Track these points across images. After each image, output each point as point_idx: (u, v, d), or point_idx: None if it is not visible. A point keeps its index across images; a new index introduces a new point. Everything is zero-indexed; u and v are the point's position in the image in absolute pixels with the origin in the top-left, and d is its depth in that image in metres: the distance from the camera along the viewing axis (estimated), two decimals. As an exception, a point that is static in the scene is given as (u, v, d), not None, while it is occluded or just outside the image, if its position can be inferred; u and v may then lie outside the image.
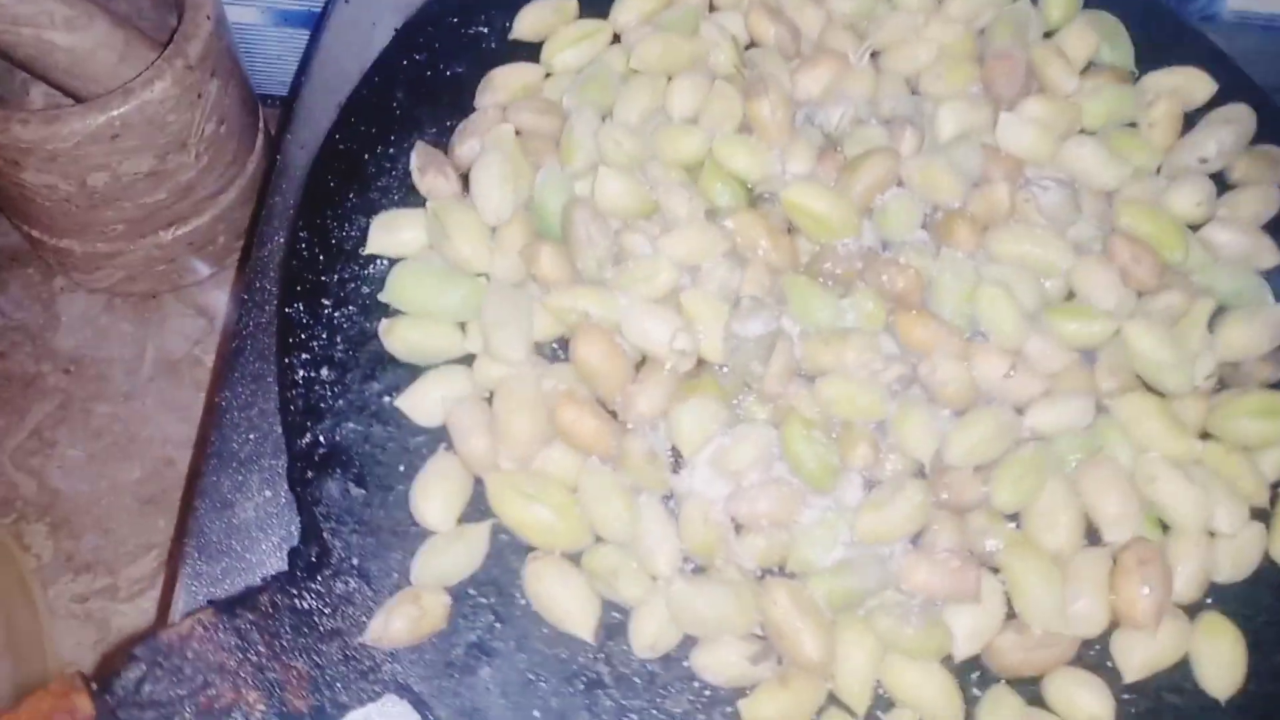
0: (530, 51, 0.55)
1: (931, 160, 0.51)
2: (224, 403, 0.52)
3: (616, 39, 0.56)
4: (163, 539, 0.68)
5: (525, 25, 0.56)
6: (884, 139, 0.52)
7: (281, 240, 0.55)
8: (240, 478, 0.51)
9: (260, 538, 0.50)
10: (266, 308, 0.54)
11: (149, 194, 0.67)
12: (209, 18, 0.64)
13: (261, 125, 0.74)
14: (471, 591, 0.44)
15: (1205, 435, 0.48)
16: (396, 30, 0.56)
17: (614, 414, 0.46)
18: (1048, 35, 0.58)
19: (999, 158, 0.52)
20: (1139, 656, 0.43)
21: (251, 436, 0.51)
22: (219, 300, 0.75)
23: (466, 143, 0.51)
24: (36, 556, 0.67)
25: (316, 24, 0.62)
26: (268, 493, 0.50)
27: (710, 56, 0.55)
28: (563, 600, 0.43)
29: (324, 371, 0.47)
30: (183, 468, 0.70)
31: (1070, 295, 0.50)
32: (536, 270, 0.47)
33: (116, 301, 0.74)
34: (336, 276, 0.49)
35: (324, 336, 0.48)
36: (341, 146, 0.52)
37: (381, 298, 0.48)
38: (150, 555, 0.67)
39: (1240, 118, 0.54)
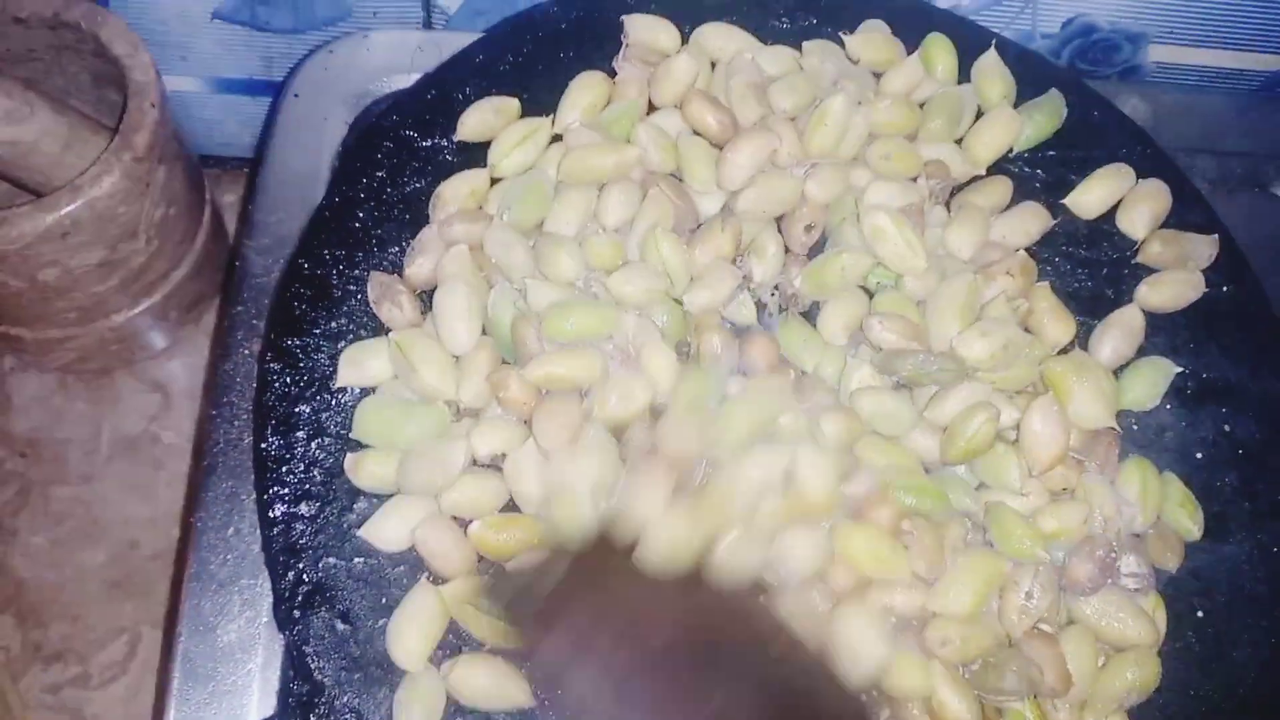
0: (483, 160, 0.56)
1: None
2: (199, 524, 0.53)
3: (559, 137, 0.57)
4: (131, 623, 0.68)
5: (468, 128, 0.57)
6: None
7: (246, 353, 0.56)
8: (221, 600, 0.52)
9: (244, 659, 0.51)
10: (235, 423, 0.54)
11: (100, 282, 0.66)
12: (154, 105, 0.64)
13: (208, 196, 0.74)
14: (456, 726, 0.46)
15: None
16: (351, 144, 0.56)
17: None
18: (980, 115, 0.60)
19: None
20: None
21: (229, 558, 0.52)
22: (172, 374, 0.75)
23: (415, 261, 0.53)
24: (4, 649, 0.67)
25: (266, 120, 0.62)
26: (249, 613, 0.52)
27: (645, 155, 0.56)
28: (489, 686, 0.46)
29: (303, 507, 0.49)
30: (147, 550, 0.70)
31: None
32: (504, 395, 0.49)
33: (69, 380, 0.74)
34: (309, 407, 0.50)
35: (301, 470, 0.49)
36: (306, 270, 0.52)
37: (352, 435, 0.49)
38: (120, 640, 0.68)
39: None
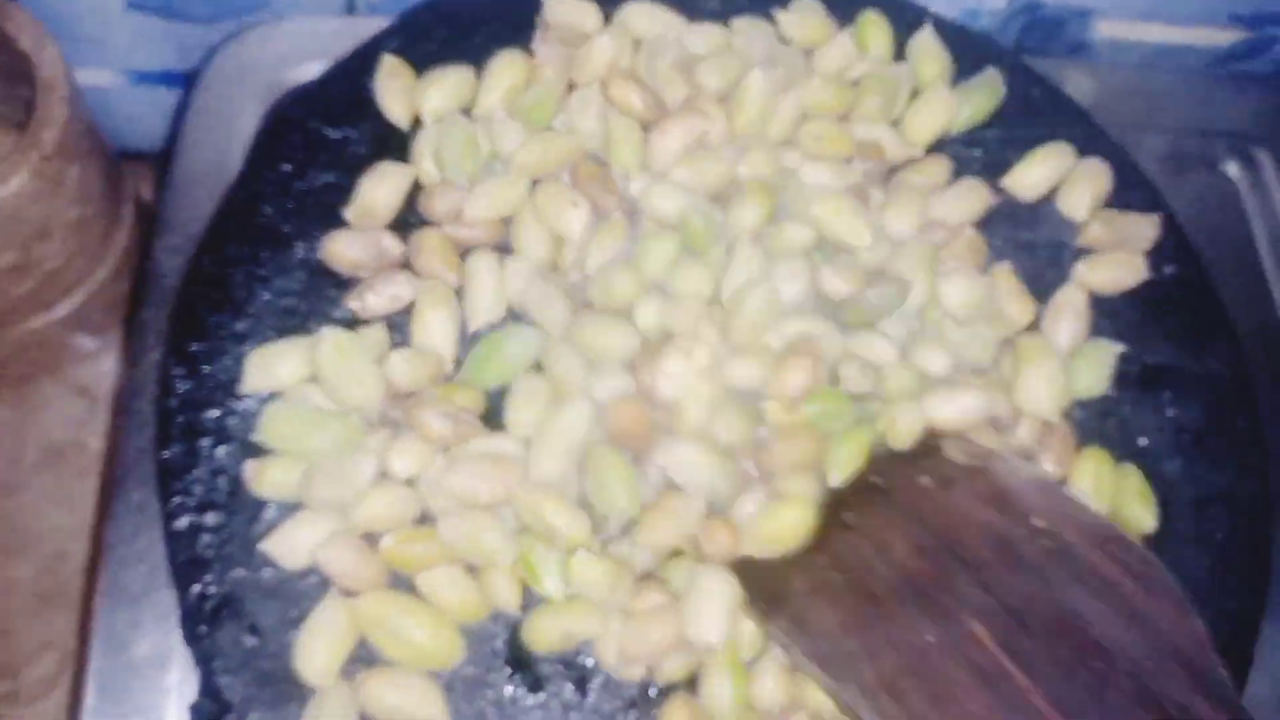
0: (396, 152, 0.54)
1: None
2: (110, 537, 0.51)
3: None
4: (61, 636, 0.66)
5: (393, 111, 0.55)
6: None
7: (157, 358, 0.53)
8: (133, 615, 0.50)
9: (158, 675, 0.49)
10: (145, 431, 0.52)
11: (14, 285, 0.64)
12: (64, 100, 0.61)
13: (130, 192, 0.71)
14: (362, 743, 0.44)
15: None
16: (259, 136, 0.54)
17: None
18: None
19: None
20: None
21: (141, 569, 0.50)
22: (98, 378, 0.72)
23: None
24: (-70, 667, 0.65)
25: (176, 114, 0.60)
26: (163, 627, 0.50)
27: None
28: (403, 702, 0.44)
29: (208, 517, 0.47)
30: (76, 561, 0.68)
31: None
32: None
33: (-9, 387, 0.71)
34: (215, 413, 0.48)
35: (206, 478, 0.47)
36: (210, 270, 0.50)
37: (255, 439, 0.47)
38: (50, 655, 0.66)
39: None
